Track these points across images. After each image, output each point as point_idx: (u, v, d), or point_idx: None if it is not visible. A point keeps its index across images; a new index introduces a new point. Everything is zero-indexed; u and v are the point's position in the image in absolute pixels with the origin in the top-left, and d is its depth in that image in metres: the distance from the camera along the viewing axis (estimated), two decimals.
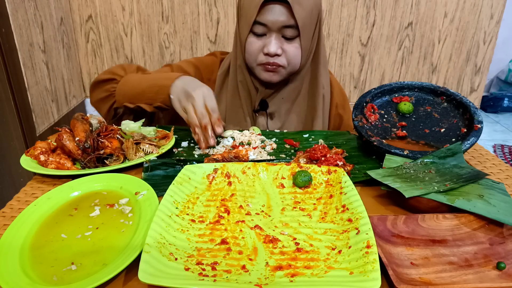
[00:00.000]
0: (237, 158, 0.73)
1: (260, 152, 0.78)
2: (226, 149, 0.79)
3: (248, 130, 0.87)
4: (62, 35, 2.10)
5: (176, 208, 0.57)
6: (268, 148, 0.81)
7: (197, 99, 0.78)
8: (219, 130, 0.80)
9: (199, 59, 1.07)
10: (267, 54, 0.89)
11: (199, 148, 0.80)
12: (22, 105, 1.67)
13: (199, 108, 0.78)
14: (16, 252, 0.49)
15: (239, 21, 0.94)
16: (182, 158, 0.76)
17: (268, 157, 0.77)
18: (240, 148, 0.78)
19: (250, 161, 0.74)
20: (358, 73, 2.50)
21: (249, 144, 0.81)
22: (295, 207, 0.60)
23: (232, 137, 0.84)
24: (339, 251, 0.49)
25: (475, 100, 2.61)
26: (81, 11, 2.26)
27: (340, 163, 0.69)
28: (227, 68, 1.01)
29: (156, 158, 0.74)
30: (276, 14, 0.86)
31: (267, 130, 0.92)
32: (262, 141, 0.83)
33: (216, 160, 0.71)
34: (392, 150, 0.72)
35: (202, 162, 0.75)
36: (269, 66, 0.90)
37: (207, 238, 0.53)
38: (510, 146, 2.50)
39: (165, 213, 0.54)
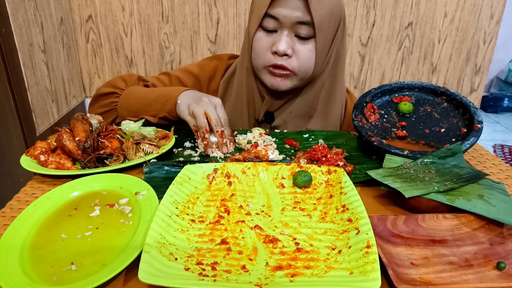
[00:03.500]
0: (258, 159, 0.73)
1: (273, 152, 0.77)
2: (245, 149, 0.79)
3: (251, 131, 0.87)
4: (62, 35, 2.10)
5: (176, 208, 0.57)
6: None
7: (211, 106, 0.75)
8: (231, 148, 0.78)
9: (201, 66, 0.99)
10: (275, 53, 0.81)
11: (203, 152, 0.78)
12: (22, 105, 1.67)
13: (213, 115, 0.74)
14: (16, 252, 0.49)
15: (250, 15, 0.86)
16: (182, 159, 0.76)
17: (281, 157, 0.76)
18: (259, 148, 0.77)
19: (270, 161, 0.74)
20: (358, 73, 2.50)
21: (256, 143, 0.80)
22: (295, 207, 0.60)
23: (249, 141, 0.82)
24: (339, 251, 0.49)
25: (475, 100, 2.61)
26: (81, 11, 2.26)
27: (341, 164, 0.69)
28: (231, 73, 0.95)
29: (156, 160, 0.74)
30: (290, 8, 0.77)
31: (268, 130, 0.92)
32: (264, 141, 0.83)
33: (238, 161, 0.71)
34: (392, 150, 0.72)
35: (202, 162, 0.75)
36: (276, 70, 0.82)
37: (207, 238, 0.53)
38: (510, 146, 2.50)
39: (165, 213, 0.54)
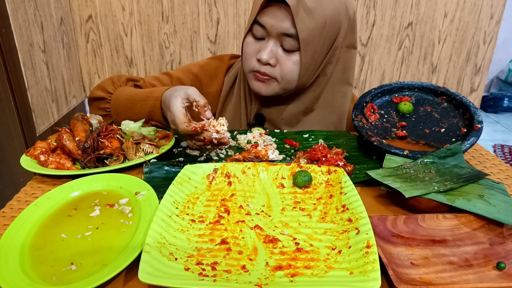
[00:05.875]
0: (258, 159, 0.73)
1: (273, 152, 0.77)
2: (245, 149, 0.79)
3: (251, 131, 0.87)
4: (62, 35, 2.10)
5: (176, 208, 0.57)
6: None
7: (177, 125, 0.71)
8: (207, 114, 0.72)
9: (202, 66, 0.99)
10: (259, 61, 0.81)
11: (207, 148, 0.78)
12: (22, 105, 1.67)
13: (184, 129, 0.70)
14: (16, 252, 0.49)
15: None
16: (182, 159, 0.76)
17: (281, 157, 0.76)
18: (259, 148, 0.76)
19: (270, 161, 0.74)
20: (358, 73, 2.49)
21: (256, 143, 0.80)
22: (295, 207, 0.60)
23: (249, 141, 0.82)
24: (339, 251, 0.49)
25: (475, 100, 2.61)
26: (81, 11, 2.25)
27: (341, 164, 0.69)
28: (237, 70, 0.95)
29: (156, 160, 0.73)
30: (278, 18, 0.76)
31: (268, 130, 0.92)
32: (264, 141, 0.83)
33: (238, 161, 0.71)
34: (392, 150, 0.72)
35: (202, 162, 0.75)
36: (259, 75, 0.82)
37: (207, 238, 0.53)
38: (510, 146, 2.50)
39: (165, 213, 0.54)
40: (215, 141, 0.73)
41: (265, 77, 0.82)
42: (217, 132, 0.73)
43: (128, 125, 0.81)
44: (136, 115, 0.85)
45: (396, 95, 0.87)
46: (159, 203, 0.56)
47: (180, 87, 0.78)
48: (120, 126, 0.82)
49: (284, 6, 0.75)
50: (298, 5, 0.74)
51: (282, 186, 0.65)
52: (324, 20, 0.77)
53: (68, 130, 0.73)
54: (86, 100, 2.46)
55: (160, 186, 0.64)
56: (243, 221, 0.56)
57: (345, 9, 0.81)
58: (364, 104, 0.84)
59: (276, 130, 0.91)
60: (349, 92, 0.92)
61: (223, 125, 0.73)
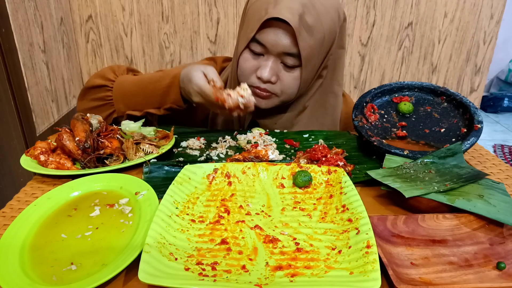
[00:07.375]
0: (258, 159, 0.73)
1: (273, 152, 0.77)
2: (246, 149, 0.79)
3: (251, 131, 0.87)
4: (62, 35, 2.10)
5: (176, 208, 0.57)
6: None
7: (204, 92, 0.74)
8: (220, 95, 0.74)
9: None
10: (259, 78, 0.80)
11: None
12: (22, 105, 1.67)
13: (210, 95, 0.73)
14: (16, 252, 0.49)
15: (240, 28, 0.84)
16: (182, 159, 0.76)
17: (281, 157, 0.76)
18: (259, 148, 0.76)
19: (270, 161, 0.74)
20: (358, 73, 2.50)
21: (256, 143, 0.80)
22: (295, 207, 0.60)
23: (249, 141, 0.82)
24: (339, 251, 0.49)
25: (475, 100, 2.61)
26: (81, 11, 2.25)
27: (341, 164, 0.69)
28: (227, 74, 0.95)
29: (156, 160, 0.73)
30: (278, 37, 0.75)
31: (268, 130, 0.92)
32: (264, 141, 0.83)
33: (237, 161, 0.71)
34: (392, 150, 0.72)
35: (202, 162, 0.75)
36: (259, 91, 0.82)
37: (207, 238, 0.53)
38: (510, 146, 2.50)
39: (165, 213, 0.54)
40: (242, 106, 0.73)
41: (265, 93, 0.82)
42: (242, 96, 0.73)
43: (128, 125, 0.81)
44: (146, 98, 0.83)
45: (396, 95, 0.87)
46: (159, 203, 0.56)
47: (198, 65, 0.79)
48: (119, 125, 0.82)
49: (283, 24, 0.74)
50: (300, 25, 0.73)
51: (282, 186, 0.65)
52: (323, 35, 0.78)
53: (68, 130, 0.73)
54: None
55: (160, 186, 0.64)
56: (243, 221, 0.56)
57: (338, 17, 0.81)
58: (364, 104, 0.84)
59: (276, 130, 0.91)
60: (340, 92, 0.93)
61: (246, 89, 0.74)
